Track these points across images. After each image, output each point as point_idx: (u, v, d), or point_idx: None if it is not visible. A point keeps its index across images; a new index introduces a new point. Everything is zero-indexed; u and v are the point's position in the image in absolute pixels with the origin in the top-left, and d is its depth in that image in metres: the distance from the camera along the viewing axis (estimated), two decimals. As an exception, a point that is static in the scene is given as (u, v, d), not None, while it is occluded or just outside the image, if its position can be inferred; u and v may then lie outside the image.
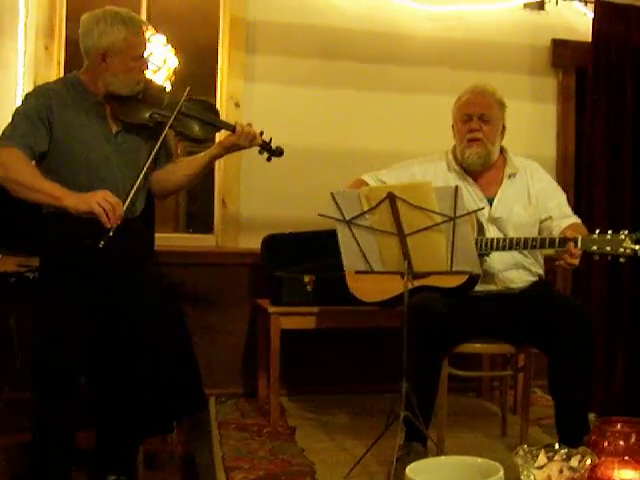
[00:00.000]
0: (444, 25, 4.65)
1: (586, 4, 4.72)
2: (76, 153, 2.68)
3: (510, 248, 3.08)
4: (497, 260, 3.22)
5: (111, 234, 2.55)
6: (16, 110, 2.70)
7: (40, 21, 4.09)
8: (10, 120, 2.68)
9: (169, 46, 4.19)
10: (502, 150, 3.41)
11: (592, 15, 4.59)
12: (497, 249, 3.11)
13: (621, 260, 2.91)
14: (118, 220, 2.57)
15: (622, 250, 2.88)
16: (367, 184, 3.36)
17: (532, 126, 4.73)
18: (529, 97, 4.77)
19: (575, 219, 3.26)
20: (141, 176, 2.73)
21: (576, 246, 2.92)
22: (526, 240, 3.05)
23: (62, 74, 4.11)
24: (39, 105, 2.65)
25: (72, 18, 4.18)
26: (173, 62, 4.22)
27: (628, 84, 4.50)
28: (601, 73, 4.50)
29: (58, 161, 2.67)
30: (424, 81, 4.63)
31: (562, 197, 3.36)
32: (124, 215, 2.66)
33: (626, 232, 2.91)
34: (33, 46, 4.09)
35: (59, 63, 4.16)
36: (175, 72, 4.24)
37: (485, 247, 3.10)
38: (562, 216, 3.26)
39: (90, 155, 2.70)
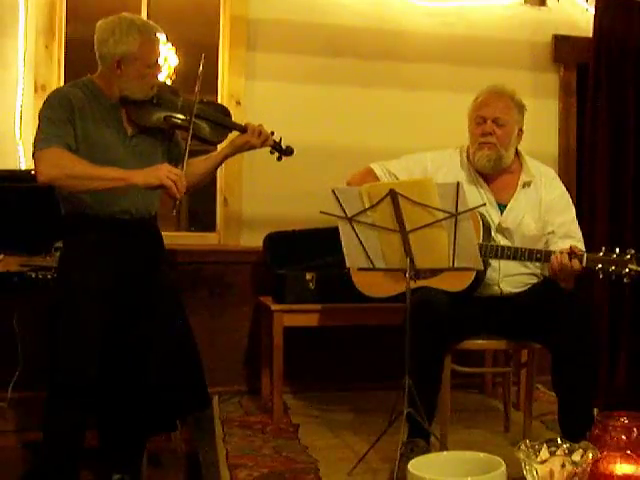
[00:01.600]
0: (445, 21, 4.65)
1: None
2: (93, 155, 2.69)
3: (515, 258, 3.06)
4: (502, 266, 3.20)
5: (179, 202, 2.67)
6: (43, 115, 2.69)
7: (40, 20, 4.10)
8: (39, 126, 2.69)
9: (169, 44, 4.20)
10: (517, 153, 3.36)
11: (593, 10, 4.58)
12: (501, 257, 3.08)
13: (625, 281, 2.88)
14: (184, 190, 2.67)
15: (627, 271, 2.85)
16: (374, 174, 3.36)
17: (533, 122, 4.66)
18: (530, 93, 4.74)
19: (576, 241, 3.18)
20: (185, 162, 2.78)
21: (581, 263, 2.91)
22: (531, 252, 3.03)
23: (62, 73, 4.12)
24: (63, 107, 2.67)
25: (72, 17, 4.20)
26: (173, 61, 4.22)
27: (629, 79, 4.49)
28: (602, 68, 4.49)
29: None
30: (426, 77, 4.62)
31: (570, 214, 3.30)
32: (142, 214, 2.80)
33: (632, 252, 2.87)
34: (33, 45, 4.08)
35: (59, 62, 4.16)
36: (176, 70, 4.24)
37: (490, 254, 3.08)
38: (565, 236, 3.21)
39: (107, 157, 2.71)
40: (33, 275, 3.26)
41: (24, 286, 3.28)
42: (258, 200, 4.42)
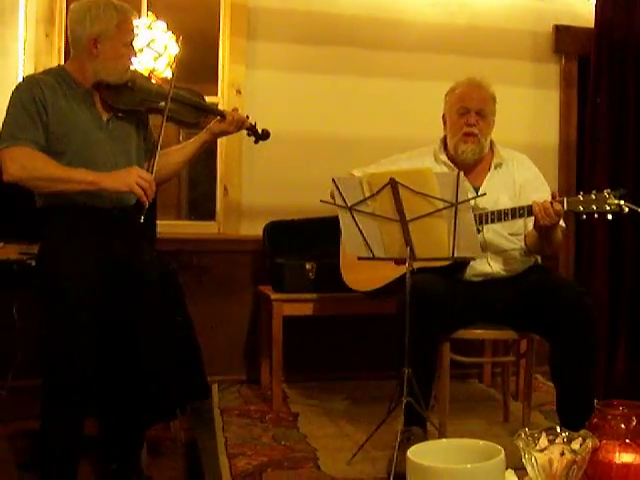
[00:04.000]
0: (446, 11, 4.64)
1: (589, -10, 4.71)
2: (71, 141, 2.67)
3: (499, 219, 3.09)
4: (487, 241, 3.22)
5: (146, 208, 2.66)
6: (11, 104, 2.66)
7: (40, 9, 4.08)
8: (7, 115, 2.65)
9: (170, 33, 4.17)
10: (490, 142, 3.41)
11: (594, 1, 4.57)
12: (486, 222, 3.11)
13: (608, 217, 2.94)
14: (153, 195, 2.67)
15: (607, 207, 2.92)
16: None
17: (534, 112, 4.72)
18: (531, 83, 4.75)
19: None
20: (157, 155, 2.77)
21: (563, 207, 2.96)
22: (514, 210, 3.07)
23: (62, 61, 4.09)
24: (34, 95, 2.63)
25: (72, 6, 4.18)
26: (174, 49, 4.20)
27: (630, 70, 4.47)
28: (603, 59, 4.47)
29: (54, 150, 2.66)
30: (427, 67, 4.61)
31: (546, 193, 3.30)
32: (121, 202, 2.75)
33: (609, 190, 2.95)
34: (33, 34, 4.07)
35: (59, 50, 4.15)
36: (176, 59, 4.21)
37: (475, 222, 3.09)
38: None
39: (85, 143, 2.70)
40: (33, 263, 3.25)
41: (24, 274, 3.27)
42: (258, 189, 4.41)
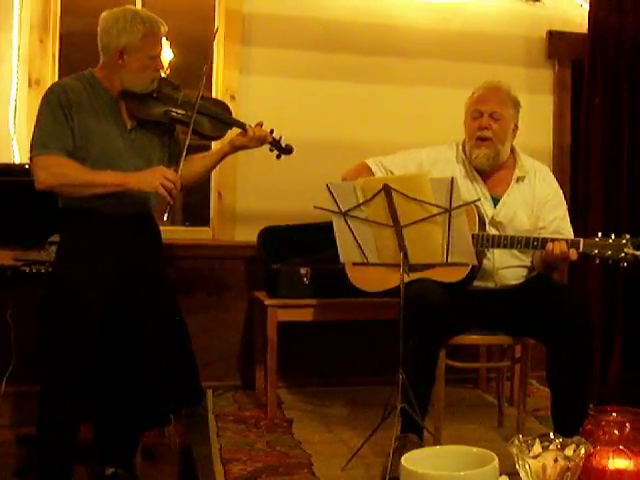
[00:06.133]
0: (440, 17, 4.64)
1: (582, -5, 4.72)
2: (93, 148, 2.71)
3: (511, 246, 3.06)
4: (496, 258, 3.21)
5: (170, 208, 2.72)
6: (41, 111, 2.70)
7: (34, 15, 4.08)
8: (37, 123, 2.70)
9: (164, 39, 4.18)
10: (512, 150, 3.36)
11: (588, 6, 4.58)
12: (497, 246, 3.09)
13: (622, 265, 2.91)
14: (178, 194, 2.73)
15: (623, 255, 2.89)
16: (369, 169, 3.35)
17: (528, 117, 4.66)
18: (525, 88, 4.74)
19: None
20: (183, 158, 2.81)
21: (577, 249, 2.93)
22: (527, 240, 3.03)
23: (57, 68, 4.11)
24: (61, 102, 2.67)
25: (66, 12, 4.18)
26: (168, 55, 4.20)
27: (624, 75, 4.49)
28: (597, 64, 4.49)
29: (75, 156, 2.68)
30: (420, 73, 4.62)
31: (562, 211, 3.31)
32: (139, 211, 2.81)
33: (628, 236, 2.90)
34: (27, 40, 4.07)
35: (54, 56, 4.15)
36: (170, 65, 4.22)
37: (486, 242, 3.08)
38: (555, 232, 3.21)
39: (106, 150, 2.73)
40: (27, 269, 3.25)
41: (18, 280, 3.26)
42: (252, 194, 4.41)
